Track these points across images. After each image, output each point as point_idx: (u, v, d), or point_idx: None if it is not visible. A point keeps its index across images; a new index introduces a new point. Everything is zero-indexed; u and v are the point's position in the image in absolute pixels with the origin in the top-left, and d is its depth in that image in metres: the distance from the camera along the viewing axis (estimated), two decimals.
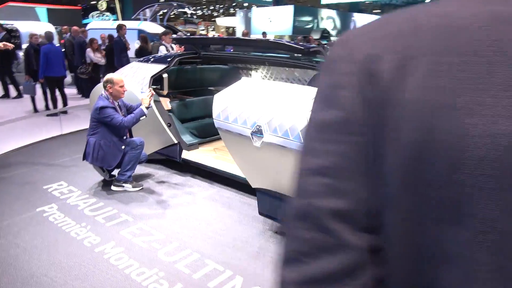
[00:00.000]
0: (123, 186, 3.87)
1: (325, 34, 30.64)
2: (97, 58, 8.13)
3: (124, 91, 3.82)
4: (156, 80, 4.54)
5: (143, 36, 9.51)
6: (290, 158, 2.77)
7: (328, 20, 33.77)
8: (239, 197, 3.77)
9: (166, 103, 4.53)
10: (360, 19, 35.12)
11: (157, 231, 3.09)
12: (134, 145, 3.86)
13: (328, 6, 33.99)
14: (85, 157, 3.79)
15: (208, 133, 4.81)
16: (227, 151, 4.49)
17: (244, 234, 3.07)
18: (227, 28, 45.50)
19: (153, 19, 13.29)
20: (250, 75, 5.64)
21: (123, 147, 3.78)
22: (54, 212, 3.36)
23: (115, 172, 4.03)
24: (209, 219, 3.32)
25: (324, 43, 28.10)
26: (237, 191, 3.88)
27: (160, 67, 4.51)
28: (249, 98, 3.10)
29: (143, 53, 8.48)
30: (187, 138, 4.47)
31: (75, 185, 3.96)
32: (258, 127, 2.92)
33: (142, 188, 3.91)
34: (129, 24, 13.26)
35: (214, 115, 3.25)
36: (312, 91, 2.87)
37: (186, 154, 4.31)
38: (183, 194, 3.83)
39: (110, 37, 8.67)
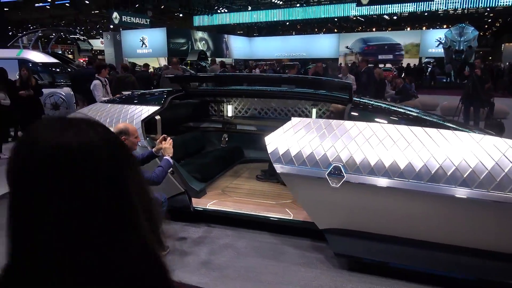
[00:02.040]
0: None
1: (202, 56, 31.12)
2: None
3: (138, 142, 3.27)
4: (147, 124, 4.00)
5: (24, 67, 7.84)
6: (377, 195, 2.79)
7: (202, 41, 34.36)
8: (282, 241, 3.56)
9: None
10: (231, 40, 36.74)
11: None
12: (158, 201, 3.32)
13: (198, 28, 34.62)
14: None
15: (208, 174, 4.44)
16: (236, 190, 4.24)
17: (329, 282, 2.93)
18: (90, 51, 42.08)
19: (34, 46, 11.51)
20: (222, 108, 5.42)
21: None
22: None
23: None
24: (277, 271, 3.07)
25: (203, 64, 28.44)
26: (275, 234, 3.66)
27: (151, 108, 4.00)
28: (313, 138, 3.01)
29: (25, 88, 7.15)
30: (195, 184, 4.04)
31: None
32: (335, 168, 2.86)
33: (169, 251, 3.38)
34: (4, 53, 11.25)
35: (272, 159, 3.05)
36: (372, 126, 2.96)
37: (196, 202, 3.89)
38: (220, 248, 3.45)
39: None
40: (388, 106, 3.79)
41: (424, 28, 36.05)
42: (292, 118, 3.22)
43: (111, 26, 31.22)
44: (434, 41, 31.54)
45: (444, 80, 21.55)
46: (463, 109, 8.21)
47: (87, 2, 26.16)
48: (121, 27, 28.18)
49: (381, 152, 2.81)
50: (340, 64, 16.34)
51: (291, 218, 3.50)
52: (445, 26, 35.34)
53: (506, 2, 24.16)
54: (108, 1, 25.89)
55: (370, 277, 2.95)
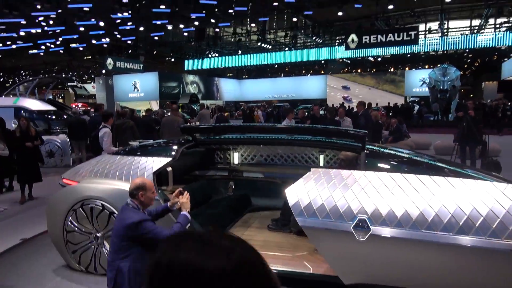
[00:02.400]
0: None
1: (194, 99, 31.53)
2: None
3: (155, 197, 3.18)
4: (158, 176, 3.92)
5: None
6: (405, 248, 2.72)
7: (193, 84, 34.99)
8: None
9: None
10: (222, 83, 37.45)
11: None
12: None
13: (189, 72, 35.38)
14: None
15: (220, 225, 4.31)
16: (249, 242, 4.10)
17: None
18: (82, 96, 42.37)
19: (31, 93, 11.51)
20: (228, 155, 5.38)
21: None
22: None
23: None
24: None
25: (194, 107, 28.73)
26: None
27: (162, 160, 3.93)
28: (335, 190, 2.96)
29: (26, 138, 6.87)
30: None
31: None
32: (361, 220, 2.80)
33: None
34: (1, 101, 11.23)
35: (295, 213, 2.97)
36: (394, 176, 2.93)
37: None
38: None
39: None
40: (401, 153, 3.80)
41: (407, 68, 37.46)
42: (311, 169, 3.19)
43: (103, 71, 31.73)
44: (418, 80, 32.72)
45: (432, 119, 22.09)
46: (459, 149, 8.33)
47: (81, 48, 26.63)
48: (114, 72, 28.57)
49: (405, 203, 2.77)
50: (338, 107, 16.67)
51: (311, 272, 3.37)
52: (426, 67, 36.82)
53: (483, 43, 25.39)
54: (101, 47, 26.43)
55: None
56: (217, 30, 24.94)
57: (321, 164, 4.99)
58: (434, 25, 24.86)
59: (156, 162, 3.91)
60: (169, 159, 3.94)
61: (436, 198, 2.75)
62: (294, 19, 22.14)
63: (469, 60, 35.57)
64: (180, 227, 3.04)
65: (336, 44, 28.23)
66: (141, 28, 22.60)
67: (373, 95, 31.04)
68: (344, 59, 33.06)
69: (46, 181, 7.17)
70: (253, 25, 24.62)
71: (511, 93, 32.06)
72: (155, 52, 30.29)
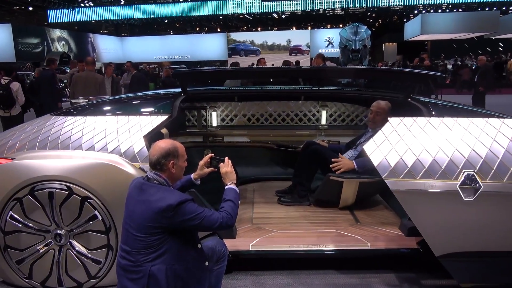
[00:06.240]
0: None
1: (65, 59, 28.22)
2: None
3: (184, 167, 2.46)
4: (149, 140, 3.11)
5: None
6: None
7: (61, 42, 31.29)
8: (363, 278, 3.07)
9: None
10: (99, 40, 34.18)
11: None
12: (219, 254, 2.54)
13: (51, 25, 31.46)
14: None
15: None
16: (269, 221, 3.57)
17: None
18: None
19: None
20: (203, 116, 4.67)
21: (206, 263, 2.41)
22: None
23: None
24: None
25: (66, 69, 26.01)
26: (346, 272, 3.14)
27: (153, 119, 3.12)
28: (428, 142, 2.65)
29: None
30: None
31: None
32: (468, 177, 2.54)
33: None
34: None
35: (382, 174, 2.58)
36: (492, 121, 2.78)
37: (232, 245, 3.14)
38: None
39: None
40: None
41: (309, 28, 39.07)
42: (389, 119, 2.82)
43: None
44: (323, 41, 34.43)
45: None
46: None
47: None
48: None
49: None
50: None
51: (370, 247, 3.06)
52: (329, 26, 39.00)
53: (388, 2, 27.75)
54: None
55: None
56: None
57: (323, 122, 4.66)
58: None
59: (145, 122, 3.10)
60: (163, 117, 3.16)
61: None
62: None
63: (371, 20, 38.62)
64: (233, 207, 2.40)
65: None
66: None
67: (281, 56, 31.73)
68: (246, 15, 32.90)
69: None
70: None
71: (410, 54, 36.15)
72: None
